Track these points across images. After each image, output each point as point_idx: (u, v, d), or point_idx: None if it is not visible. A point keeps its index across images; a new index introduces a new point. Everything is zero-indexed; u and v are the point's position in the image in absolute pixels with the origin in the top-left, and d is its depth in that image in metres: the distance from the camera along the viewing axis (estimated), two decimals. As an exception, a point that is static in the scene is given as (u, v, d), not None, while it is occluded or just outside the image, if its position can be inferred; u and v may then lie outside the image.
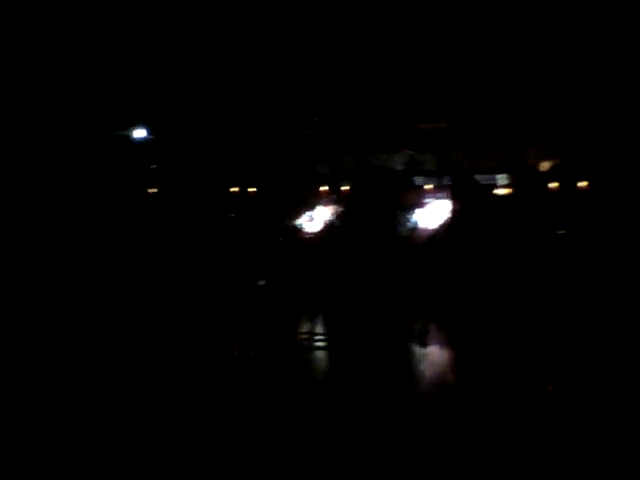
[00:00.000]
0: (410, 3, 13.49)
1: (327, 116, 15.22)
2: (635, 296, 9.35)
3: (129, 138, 15.32)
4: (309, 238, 13.79)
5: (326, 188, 15.12)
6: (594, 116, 13.65)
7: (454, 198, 11.69)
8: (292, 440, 5.12)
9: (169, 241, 14.00)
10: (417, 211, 12.49)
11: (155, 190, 15.60)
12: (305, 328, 9.84)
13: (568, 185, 13.37)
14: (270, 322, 10.03)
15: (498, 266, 10.44)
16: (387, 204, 11.69)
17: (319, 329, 9.85)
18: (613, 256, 10.89)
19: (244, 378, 7.07)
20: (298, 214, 14.36)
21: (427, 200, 13.12)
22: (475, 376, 6.88)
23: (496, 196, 13.48)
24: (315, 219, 14.21)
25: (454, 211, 11.53)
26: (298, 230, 14.14)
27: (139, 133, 15.30)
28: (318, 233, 13.74)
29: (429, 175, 14.78)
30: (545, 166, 14.40)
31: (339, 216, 13.45)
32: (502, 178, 14.64)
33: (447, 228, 11.76)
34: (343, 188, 14.82)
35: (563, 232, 12.12)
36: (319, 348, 8.82)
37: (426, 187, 14.13)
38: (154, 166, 15.72)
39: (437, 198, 13.05)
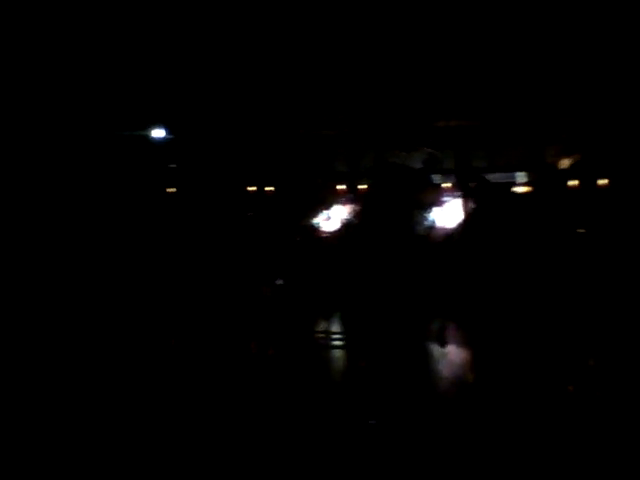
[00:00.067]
0: (427, 5, 13.44)
1: (345, 115, 15.19)
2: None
3: (148, 138, 15.43)
4: (327, 237, 13.78)
5: (344, 187, 15.10)
6: (615, 113, 13.48)
7: (470, 197, 11.60)
8: (309, 439, 5.12)
9: (187, 240, 14.07)
10: (436, 210, 12.42)
11: (174, 190, 15.70)
12: (323, 327, 9.83)
13: (589, 183, 13.22)
14: (288, 321, 10.04)
15: (517, 265, 10.35)
16: (405, 203, 11.63)
17: (337, 328, 9.84)
18: (635, 255, 10.74)
19: (262, 377, 7.09)
20: (316, 213, 14.36)
21: (446, 199, 13.05)
22: (494, 375, 6.83)
23: (515, 194, 13.36)
24: (333, 218, 14.20)
25: (472, 210, 11.44)
26: (316, 229, 14.13)
27: (158, 133, 15.40)
28: (336, 232, 13.73)
29: (448, 173, 14.69)
30: (565, 163, 14.24)
31: (357, 215, 13.41)
32: (521, 176, 14.51)
33: (466, 227, 11.68)
34: (361, 187, 14.79)
35: (583, 231, 11.98)
36: (337, 347, 8.81)
37: (445, 185, 14.05)
38: (173, 166, 15.82)
39: (456, 197, 12.97)
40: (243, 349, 8.42)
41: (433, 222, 12.32)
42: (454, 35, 13.69)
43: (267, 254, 13.39)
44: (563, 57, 13.37)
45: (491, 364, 7.30)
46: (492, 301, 9.47)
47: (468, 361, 7.84)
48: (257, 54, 14.51)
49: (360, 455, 4.77)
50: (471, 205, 11.61)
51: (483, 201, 11.50)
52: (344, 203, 14.27)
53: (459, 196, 12.67)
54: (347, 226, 13.72)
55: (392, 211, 11.90)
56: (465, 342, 8.48)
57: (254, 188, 15.67)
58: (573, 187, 13.23)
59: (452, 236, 11.57)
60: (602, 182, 13.15)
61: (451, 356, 7.91)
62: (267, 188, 15.70)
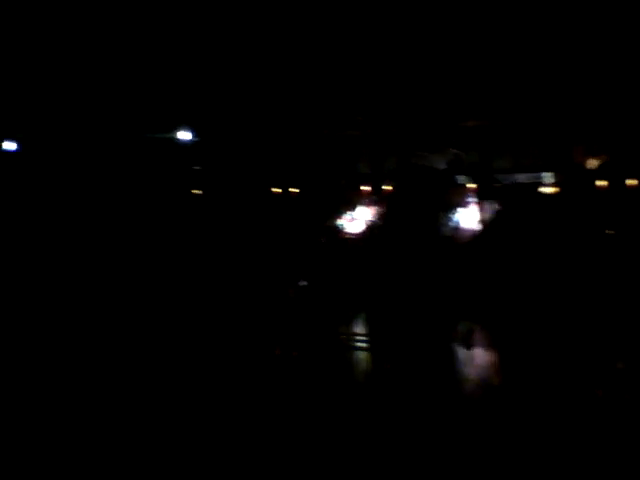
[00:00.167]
0: (453, 4, 13.36)
1: (368, 116, 15.17)
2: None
3: (174, 140, 15.57)
4: (351, 238, 13.77)
5: (368, 188, 15.08)
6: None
7: (496, 198, 11.51)
8: (334, 440, 5.11)
9: (212, 241, 14.16)
10: (460, 211, 12.35)
11: (199, 191, 15.82)
12: (347, 329, 9.82)
13: (617, 183, 13.02)
14: (312, 322, 10.05)
15: (544, 266, 10.23)
16: (430, 204, 11.57)
17: (361, 330, 9.82)
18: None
19: (286, 378, 7.10)
20: (340, 214, 14.36)
21: (471, 200, 12.96)
22: (521, 379, 6.75)
23: (542, 195, 13.22)
24: (357, 219, 14.19)
25: (498, 211, 11.35)
26: (340, 230, 14.13)
27: (183, 135, 15.53)
28: (360, 233, 13.71)
29: (473, 174, 14.58)
30: (593, 164, 14.05)
31: (381, 216, 13.39)
32: (548, 176, 14.35)
33: (491, 228, 11.59)
34: (385, 188, 14.75)
35: (612, 232, 11.80)
36: (361, 349, 8.79)
37: (470, 186, 13.95)
38: (198, 167, 15.94)
39: (481, 198, 12.87)
40: (268, 350, 8.44)
41: (458, 223, 12.27)
42: (479, 36, 13.59)
43: (291, 255, 13.42)
44: (591, 57, 13.20)
45: (518, 367, 7.22)
46: (519, 303, 9.37)
47: (494, 364, 7.76)
48: (282, 57, 14.56)
49: (385, 456, 4.75)
50: (497, 206, 11.54)
51: (509, 202, 11.41)
52: (368, 204, 14.25)
53: (484, 197, 12.59)
54: (371, 227, 13.72)
55: (417, 212, 11.86)
56: (491, 344, 8.40)
57: (279, 190, 15.72)
58: (601, 188, 13.04)
59: (477, 237, 11.50)
60: (631, 182, 12.94)
61: (477, 358, 7.84)
62: (291, 189, 15.74)
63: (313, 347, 8.75)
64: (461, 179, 14.07)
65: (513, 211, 11.77)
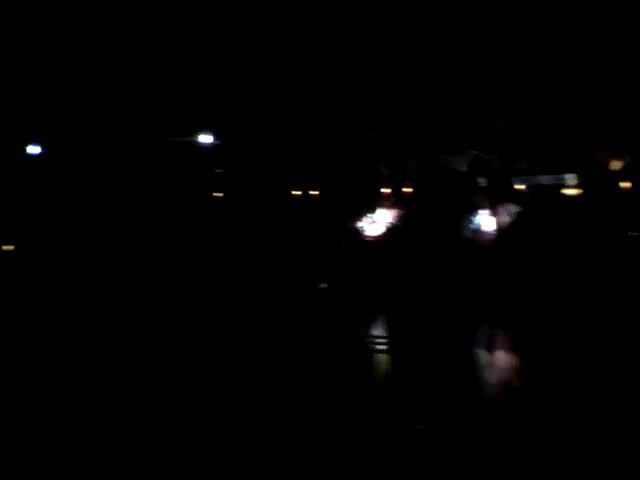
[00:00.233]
0: (474, 5, 13.30)
1: (389, 117, 15.14)
2: None
3: (195, 144, 15.68)
4: (371, 241, 13.74)
5: (388, 190, 15.03)
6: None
7: (518, 199, 11.42)
8: (351, 441, 5.11)
9: (234, 244, 14.23)
10: (482, 213, 12.25)
11: (220, 194, 15.91)
12: (367, 331, 9.80)
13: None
14: (333, 325, 10.05)
15: (567, 268, 10.12)
16: (451, 206, 11.52)
17: (381, 332, 9.80)
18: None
19: (307, 380, 7.11)
20: (360, 217, 14.33)
21: (492, 202, 12.84)
22: (543, 383, 6.69)
23: (564, 197, 13.08)
24: (377, 221, 14.15)
25: (520, 213, 11.26)
26: (360, 233, 14.11)
27: (205, 138, 15.64)
28: (380, 236, 13.68)
29: (495, 176, 14.45)
30: (617, 165, 13.86)
31: (402, 218, 13.35)
32: (571, 178, 14.19)
33: (512, 230, 11.49)
34: (405, 190, 14.70)
35: (636, 234, 11.63)
36: (381, 351, 8.77)
37: (490, 188, 13.84)
38: (219, 170, 16.04)
39: (502, 199, 12.76)
40: (288, 352, 8.46)
41: (479, 226, 12.18)
42: (500, 38, 13.51)
43: (312, 258, 13.43)
44: (613, 58, 13.05)
45: (540, 371, 7.15)
46: (541, 306, 9.28)
47: (516, 367, 7.69)
48: (301, 61, 14.61)
49: (408, 459, 4.74)
50: (519, 208, 11.43)
51: (531, 204, 11.31)
52: (389, 207, 14.20)
53: (505, 200, 12.48)
54: (392, 230, 13.68)
55: (438, 215, 11.81)
56: (513, 348, 8.32)
57: (299, 192, 15.75)
58: (625, 189, 12.86)
59: (499, 239, 11.41)
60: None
61: (499, 362, 7.78)
62: (312, 192, 15.76)
63: (333, 349, 8.74)
64: (482, 181, 13.97)
65: (535, 213, 11.67)
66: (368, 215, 14.31)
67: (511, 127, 14.76)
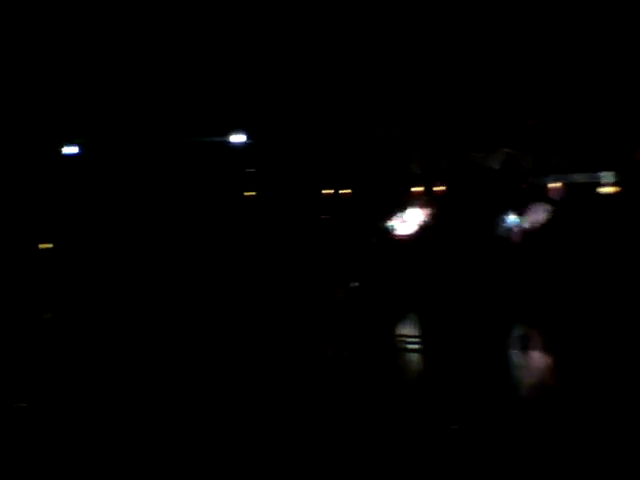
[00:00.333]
0: (506, 8, 13.19)
1: (421, 116, 15.05)
2: None
3: (228, 143, 15.80)
4: (403, 239, 13.68)
5: (420, 189, 14.95)
6: None
7: (553, 198, 11.26)
8: (387, 441, 5.10)
9: (266, 243, 14.31)
10: (516, 211, 12.13)
11: (253, 193, 16.01)
12: (399, 330, 9.76)
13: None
14: (364, 324, 10.03)
15: (602, 267, 9.96)
16: (485, 205, 11.42)
17: (413, 331, 9.75)
18: None
19: (339, 379, 7.11)
20: (392, 215, 14.28)
21: (526, 200, 12.70)
22: (578, 384, 6.59)
23: (600, 195, 12.86)
24: (409, 220, 14.08)
25: (555, 211, 11.10)
26: (392, 231, 14.06)
27: (237, 138, 15.75)
28: (412, 234, 13.61)
29: (529, 174, 14.27)
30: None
31: (433, 217, 13.27)
32: (607, 176, 13.94)
33: (547, 229, 11.34)
34: (437, 189, 14.60)
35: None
36: (413, 351, 8.72)
37: (524, 187, 13.68)
38: (252, 170, 16.13)
39: (537, 198, 12.60)
40: (320, 351, 8.47)
41: (514, 224, 12.04)
42: (535, 36, 13.35)
43: (343, 257, 13.43)
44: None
45: (575, 372, 7.04)
46: (576, 306, 9.14)
47: (551, 368, 7.58)
48: (334, 61, 14.62)
49: (443, 459, 4.71)
50: (554, 207, 11.28)
51: (567, 202, 11.14)
52: (420, 205, 14.13)
53: (541, 198, 12.32)
54: (424, 228, 13.60)
55: (471, 213, 11.71)
56: (548, 348, 8.20)
57: (330, 191, 15.75)
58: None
59: (533, 238, 11.26)
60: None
61: (533, 362, 7.68)
62: (343, 191, 15.75)
63: (365, 348, 8.73)
64: (515, 179, 13.80)
65: (570, 212, 11.50)
66: (399, 214, 14.25)
67: (545, 124, 14.56)
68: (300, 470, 4.69)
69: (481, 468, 4.61)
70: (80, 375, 7.24)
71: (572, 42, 13.29)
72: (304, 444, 5.13)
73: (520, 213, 12.24)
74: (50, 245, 13.96)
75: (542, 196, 12.67)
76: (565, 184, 13.56)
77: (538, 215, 11.99)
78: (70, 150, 15.24)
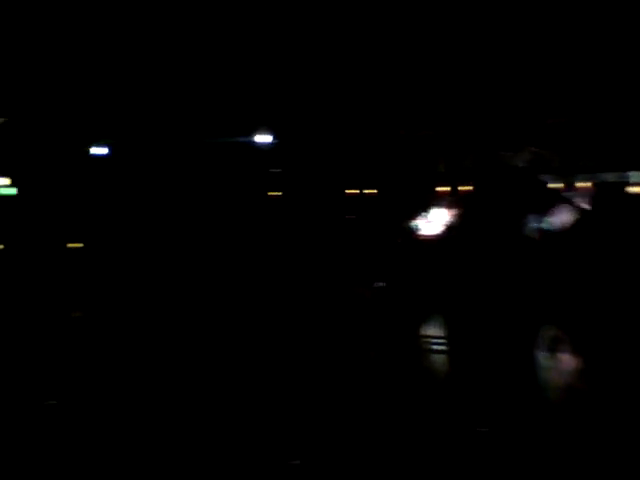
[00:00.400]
0: (533, 6, 13.07)
1: (446, 115, 14.96)
2: None
3: (254, 143, 15.88)
4: (429, 239, 13.61)
5: (446, 188, 14.86)
6: None
7: (583, 198, 11.11)
8: (415, 444, 5.08)
9: (291, 242, 14.35)
10: (545, 211, 11.97)
11: (278, 193, 16.08)
12: (425, 331, 9.71)
13: None
14: (389, 324, 10.00)
15: (633, 269, 9.79)
16: (511, 204, 11.30)
17: (439, 332, 9.69)
18: None
19: (364, 379, 7.10)
20: (417, 215, 14.22)
21: (555, 200, 12.54)
22: (607, 387, 6.49)
23: (629, 194, 12.66)
24: (434, 220, 14.00)
25: (585, 211, 10.95)
26: (417, 231, 13.99)
27: (263, 138, 15.83)
28: (438, 234, 13.53)
29: (556, 173, 14.10)
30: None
31: (460, 217, 13.17)
32: (637, 175, 13.71)
33: (577, 229, 11.19)
34: (463, 188, 14.50)
35: None
36: (439, 352, 8.67)
37: (553, 186, 13.51)
38: (277, 170, 16.20)
39: (565, 198, 12.44)
40: (345, 350, 8.46)
41: (542, 224, 11.90)
42: (562, 32, 13.20)
43: (368, 257, 13.40)
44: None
45: (605, 374, 6.93)
46: (605, 306, 9.01)
47: (580, 370, 7.48)
48: (358, 60, 14.61)
49: (471, 462, 4.68)
50: (583, 206, 11.12)
51: (596, 202, 10.97)
52: (446, 205, 14.04)
53: (569, 197, 12.16)
54: (450, 228, 13.51)
55: (498, 213, 11.60)
56: (577, 350, 8.09)
57: (356, 191, 15.74)
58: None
59: (562, 238, 11.12)
60: None
61: (562, 364, 7.58)
62: (368, 190, 15.72)
63: (391, 349, 8.70)
64: (544, 178, 13.64)
65: (599, 211, 11.33)
66: (425, 214, 14.18)
67: (573, 123, 14.37)
68: (327, 470, 4.69)
69: (509, 471, 4.57)
70: (108, 373, 7.33)
71: (603, 39, 13.11)
72: (329, 444, 5.13)
73: (548, 213, 12.09)
74: (80, 245, 14.18)
75: (570, 196, 12.51)
76: (594, 184, 13.37)
77: (566, 215, 11.84)
78: (99, 151, 15.47)
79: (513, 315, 9.26)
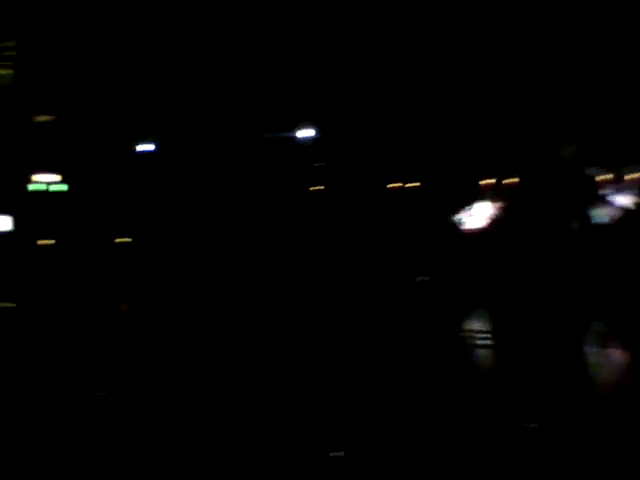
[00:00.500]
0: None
1: (492, 108, 14.78)
2: None
3: (296, 139, 15.96)
4: (473, 233, 13.47)
5: (491, 181, 14.68)
6: None
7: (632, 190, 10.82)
8: (461, 440, 5.05)
9: (334, 236, 14.38)
10: (592, 204, 11.73)
11: (321, 187, 16.13)
12: (470, 325, 9.63)
13: None
14: (433, 319, 9.94)
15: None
16: (558, 197, 11.09)
17: (485, 327, 9.59)
18: None
19: (406, 373, 7.08)
20: (462, 209, 14.08)
21: (603, 193, 12.26)
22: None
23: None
24: (479, 214, 13.85)
25: (635, 203, 10.67)
26: (462, 225, 13.87)
27: (306, 133, 15.89)
28: (483, 228, 13.39)
29: (606, 166, 13.77)
30: None
31: (505, 210, 13.00)
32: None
33: (625, 223, 10.92)
34: (508, 181, 14.31)
35: None
36: (483, 347, 8.59)
37: (601, 178, 13.21)
38: (320, 164, 16.25)
39: (615, 190, 12.15)
40: (388, 345, 8.44)
41: (589, 217, 11.65)
42: (601, 29, 12.91)
43: (412, 251, 13.34)
44: None
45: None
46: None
47: (631, 366, 7.31)
48: (400, 55, 14.56)
49: (518, 458, 4.63)
50: (633, 199, 10.84)
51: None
52: (491, 198, 13.87)
53: (620, 189, 11.87)
54: (495, 221, 13.34)
55: (544, 206, 11.40)
56: (627, 346, 7.90)
57: (398, 184, 15.68)
58: None
59: (610, 232, 10.87)
60: None
61: (612, 360, 7.42)
62: (411, 184, 15.65)
63: (434, 343, 8.65)
64: (592, 171, 13.34)
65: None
66: (469, 207, 14.04)
67: (617, 114, 14.03)
68: (370, 462, 4.71)
69: (557, 468, 4.51)
70: (154, 366, 7.48)
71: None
72: (373, 437, 5.14)
73: (594, 206, 11.83)
74: (128, 239, 14.49)
75: (619, 188, 12.21)
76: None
77: (616, 208, 11.56)
78: (146, 147, 15.78)
79: (562, 310, 9.10)
